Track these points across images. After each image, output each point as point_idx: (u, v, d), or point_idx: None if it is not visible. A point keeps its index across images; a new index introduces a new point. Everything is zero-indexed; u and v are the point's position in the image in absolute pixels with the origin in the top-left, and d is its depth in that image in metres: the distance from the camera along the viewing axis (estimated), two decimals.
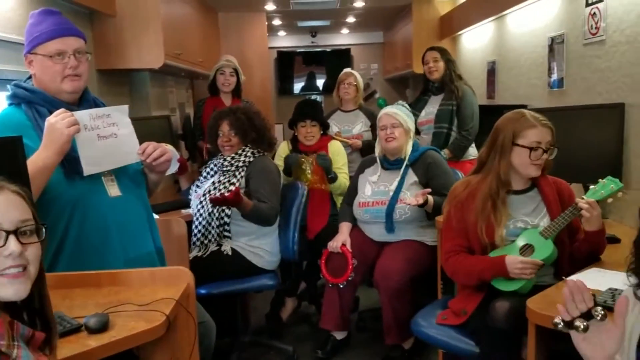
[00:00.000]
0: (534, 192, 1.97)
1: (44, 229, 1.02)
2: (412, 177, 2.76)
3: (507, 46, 3.96)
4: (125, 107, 1.89)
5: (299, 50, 7.92)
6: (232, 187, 2.67)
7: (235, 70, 3.87)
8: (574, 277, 1.69)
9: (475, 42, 4.74)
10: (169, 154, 1.93)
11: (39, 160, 1.64)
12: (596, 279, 1.69)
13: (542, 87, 3.29)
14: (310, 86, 8.00)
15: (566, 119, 2.57)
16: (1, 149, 1.49)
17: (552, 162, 1.97)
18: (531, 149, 1.86)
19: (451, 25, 5.05)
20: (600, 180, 1.80)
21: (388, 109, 2.83)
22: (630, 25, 2.38)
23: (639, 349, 1.12)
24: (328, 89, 7.35)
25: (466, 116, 3.47)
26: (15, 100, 1.82)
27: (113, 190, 1.87)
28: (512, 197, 1.96)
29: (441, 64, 3.57)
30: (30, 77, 1.86)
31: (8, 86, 1.86)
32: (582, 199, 1.78)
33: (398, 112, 2.78)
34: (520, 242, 1.89)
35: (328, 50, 7.93)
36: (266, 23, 5.66)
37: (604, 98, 2.59)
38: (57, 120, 1.67)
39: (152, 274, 1.72)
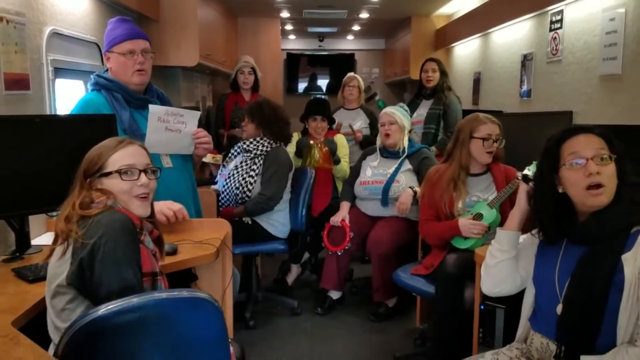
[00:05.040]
0: (487, 175, 2.58)
1: (159, 171, 1.57)
2: (407, 165, 3.32)
3: (490, 60, 4.56)
4: (198, 113, 2.42)
5: (307, 53, 8.49)
6: (252, 173, 3.23)
7: (253, 69, 4.44)
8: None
9: (465, 54, 5.34)
10: (210, 145, 2.49)
11: None
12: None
13: (514, 96, 3.89)
14: (312, 86, 8.54)
15: (531, 122, 3.18)
16: (101, 123, 2.09)
17: (504, 151, 2.56)
18: (484, 139, 2.46)
19: (445, 38, 5.64)
20: (534, 161, 2.37)
21: (388, 109, 3.39)
22: (579, 49, 2.99)
23: None
24: (331, 89, 7.94)
25: (452, 120, 4.03)
26: (97, 87, 2.30)
27: (166, 162, 2.41)
28: (470, 178, 2.56)
29: (437, 75, 4.11)
30: (107, 70, 2.35)
31: (91, 76, 2.35)
32: (518, 177, 2.37)
33: (395, 112, 3.34)
34: (473, 211, 2.49)
35: (334, 54, 8.50)
36: (280, 28, 6.23)
37: (559, 106, 3.19)
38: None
39: (200, 223, 2.32)
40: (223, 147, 4.31)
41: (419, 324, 3.18)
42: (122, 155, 1.48)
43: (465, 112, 4.11)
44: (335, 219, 3.40)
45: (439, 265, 2.50)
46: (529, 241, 1.65)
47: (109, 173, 1.46)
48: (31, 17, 2.22)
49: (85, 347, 1.18)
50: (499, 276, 1.67)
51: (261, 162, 3.27)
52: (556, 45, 3.22)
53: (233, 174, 3.30)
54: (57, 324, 1.36)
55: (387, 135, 3.31)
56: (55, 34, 2.41)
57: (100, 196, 1.44)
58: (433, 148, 3.97)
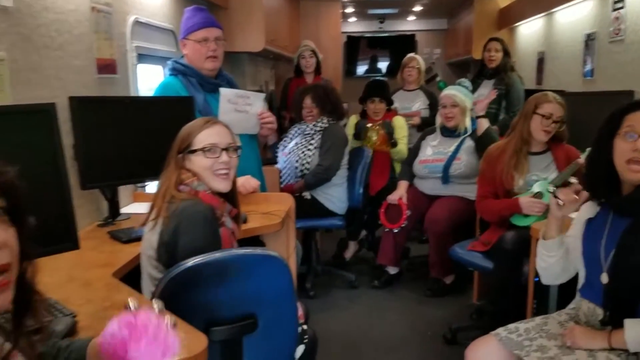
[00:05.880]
0: (548, 155, 2.61)
1: (239, 150, 1.73)
2: (468, 142, 3.36)
3: (553, 39, 4.50)
4: (263, 95, 2.60)
5: (366, 35, 8.53)
6: (310, 147, 3.43)
7: (314, 52, 4.57)
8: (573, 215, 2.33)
9: (528, 34, 5.26)
10: (275, 125, 2.67)
11: None
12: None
13: (577, 75, 3.86)
14: (373, 69, 8.58)
15: (593, 102, 3.16)
16: (181, 104, 2.31)
17: (567, 133, 2.58)
18: (543, 116, 2.50)
19: (509, 17, 5.57)
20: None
21: (449, 91, 3.42)
22: None
23: None
24: (392, 71, 7.96)
25: (514, 100, 4.04)
26: (174, 72, 2.50)
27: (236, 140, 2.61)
28: (530, 157, 2.60)
29: (500, 55, 4.12)
30: (183, 56, 2.55)
31: (168, 62, 2.58)
32: (580, 157, 2.40)
33: (456, 94, 3.37)
34: (533, 190, 2.54)
35: (394, 35, 8.49)
36: (341, 11, 6.32)
37: (621, 86, 3.15)
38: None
39: (266, 196, 2.51)
40: (285, 128, 4.50)
41: (475, 301, 3.23)
42: (207, 135, 1.62)
43: (528, 92, 4.09)
44: (393, 197, 3.51)
45: (497, 242, 2.57)
46: (580, 220, 1.71)
47: (195, 150, 1.61)
48: (117, 7, 2.45)
49: (176, 294, 1.38)
50: (555, 273, 1.75)
51: (319, 136, 3.45)
52: (618, 25, 3.18)
53: (293, 150, 3.49)
54: (150, 289, 1.54)
55: (449, 118, 3.35)
56: (137, 22, 2.65)
57: (189, 177, 1.60)
58: (495, 127, 3.99)
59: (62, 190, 1.25)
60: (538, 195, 2.52)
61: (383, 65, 8.62)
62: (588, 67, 3.65)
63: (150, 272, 1.56)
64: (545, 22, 4.73)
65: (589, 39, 3.63)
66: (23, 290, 0.74)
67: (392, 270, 3.63)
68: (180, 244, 1.48)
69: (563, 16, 4.27)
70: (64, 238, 1.28)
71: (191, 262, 1.38)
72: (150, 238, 1.56)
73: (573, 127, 2.60)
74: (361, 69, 8.63)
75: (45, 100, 1.80)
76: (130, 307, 0.85)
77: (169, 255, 1.51)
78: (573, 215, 1.77)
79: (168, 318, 0.85)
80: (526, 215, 2.53)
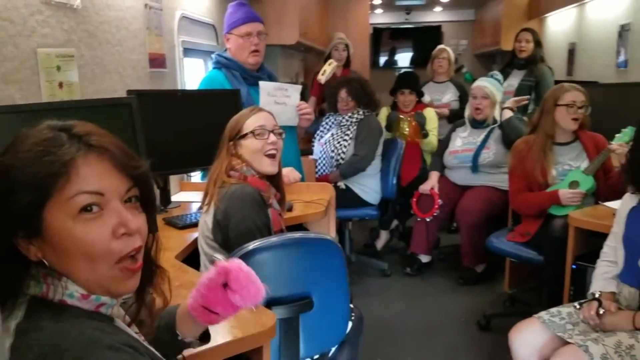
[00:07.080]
0: (576, 143, 2.66)
1: (283, 134, 1.84)
2: (497, 132, 3.41)
3: (585, 30, 4.49)
4: (299, 87, 2.69)
5: (392, 26, 8.54)
6: (346, 137, 3.50)
7: (347, 46, 4.65)
8: (609, 204, 2.37)
9: (559, 25, 5.24)
10: (312, 116, 2.74)
11: None
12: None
13: (610, 66, 3.86)
14: (391, 61, 8.59)
15: (627, 93, 3.18)
16: (228, 97, 2.41)
17: (590, 118, 2.63)
18: (567, 105, 2.55)
19: (539, 7, 5.54)
20: (622, 129, 2.43)
21: (481, 82, 3.47)
22: None
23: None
24: (416, 63, 7.99)
25: (544, 91, 4.03)
26: (218, 65, 2.61)
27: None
28: (559, 147, 2.65)
29: (531, 45, 4.14)
30: (226, 50, 2.65)
31: (212, 55, 2.68)
32: (611, 143, 2.43)
33: (488, 86, 3.42)
34: (568, 179, 2.59)
35: (419, 27, 8.48)
36: (369, 2, 6.34)
37: None
38: None
39: (307, 186, 2.60)
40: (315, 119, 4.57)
41: (507, 289, 3.28)
42: (255, 119, 1.77)
43: (558, 83, 4.11)
44: (425, 187, 3.57)
45: (542, 232, 2.60)
46: (622, 212, 1.76)
47: (245, 134, 1.75)
48: (166, 3, 2.56)
49: None
50: None
51: (355, 127, 3.53)
52: None
53: (329, 141, 3.58)
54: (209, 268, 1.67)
55: (478, 110, 3.40)
56: (182, 18, 2.75)
57: (238, 163, 1.73)
58: (525, 119, 4.01)
59: None
60: (574, 184, 2.57)
61: (403, 56, 8.60)
62: (622, 58, 3.66)
63: (207, 251, 1.70)
64: (577, 13, 4.72)
65: (623, 30, 3.64)
66: (146, 266, 0.83)
67: (425, 258, 3.70)
68: (231, 223, 1.62)
69: (595, 7, 4.26)
70: None
71: (251, 245, 1.49)
72: (206, 220, 1.70)
73: (606, 118, 2.63)
74: (382, 60, 8.65)
75: (107, 93, 1.92)
76: (218, 260, 0.94)
77: (222, 235, 1.65)
78: (614, 205, 1.82)
79: None
80: (564, 206, 2.57)
